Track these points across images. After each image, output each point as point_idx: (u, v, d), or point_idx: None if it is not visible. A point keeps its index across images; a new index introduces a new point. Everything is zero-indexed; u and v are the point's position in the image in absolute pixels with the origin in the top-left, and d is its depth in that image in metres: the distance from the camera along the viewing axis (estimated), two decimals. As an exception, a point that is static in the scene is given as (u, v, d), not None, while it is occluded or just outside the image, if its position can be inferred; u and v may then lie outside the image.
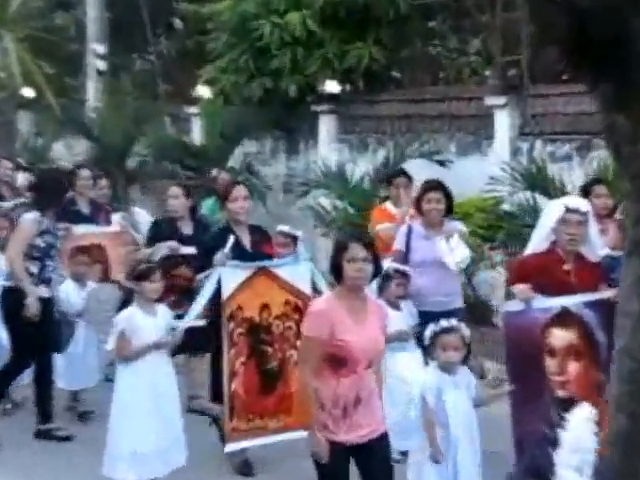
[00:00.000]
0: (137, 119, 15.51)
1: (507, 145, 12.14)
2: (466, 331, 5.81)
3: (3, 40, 17.90)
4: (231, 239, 6.76)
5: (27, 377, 7.84)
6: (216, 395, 6.95)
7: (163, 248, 7.90)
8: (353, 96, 14.51)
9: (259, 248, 7.14)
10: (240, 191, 7.19)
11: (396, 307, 7.15)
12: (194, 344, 7.19)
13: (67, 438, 7.52)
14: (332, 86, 14.09)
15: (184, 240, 7.99)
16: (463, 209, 9.61)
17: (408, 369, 6.89)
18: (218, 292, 6.64)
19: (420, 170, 11.59)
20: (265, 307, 6.83)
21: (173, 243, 7.94)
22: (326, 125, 14.49)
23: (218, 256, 6.63)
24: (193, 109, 15.91)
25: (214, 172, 11.63)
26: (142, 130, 15.25)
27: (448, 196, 7.72)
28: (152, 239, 8.21)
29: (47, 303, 7.55)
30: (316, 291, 7.03)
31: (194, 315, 6.69)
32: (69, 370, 8.01)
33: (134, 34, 18.09)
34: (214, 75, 15.19)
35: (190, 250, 7.74)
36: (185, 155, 14.29)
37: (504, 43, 12.86)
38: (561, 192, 10.07)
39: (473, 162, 12.35)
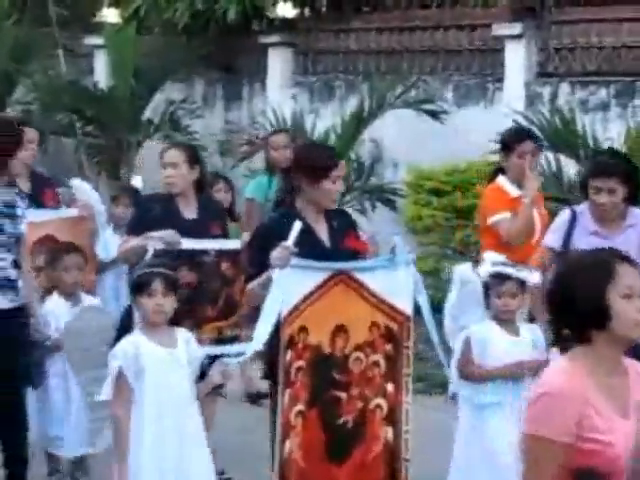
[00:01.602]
0: (20, 53, 15.39)
1: (522, 90, 12.31)
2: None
3: None
4: (297, 226, 5.82)
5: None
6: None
7: (156, 240, 7.00)
8: (314, 23, 14.38)
9: (339, 241, 6.31)
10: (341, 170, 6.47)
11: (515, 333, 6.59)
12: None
13: None
14: (286, 9, 13.95)
15: (186, 228, 7.21)
16: (464, 176, 9.63)
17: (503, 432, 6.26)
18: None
19: (405, 125, 12.26)
20: (341, 331, 5.83)
21: (170, 233, 7.07)
22: (278, 62, 14.45)
23: (276, 252, 5.69)
24: (96, 39, 15.73)
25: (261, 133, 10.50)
26: (26, 68, 15.15)
27: (629, 179, 7.14)
28: (137, 226, 7.39)
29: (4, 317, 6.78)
30: (418, 311, 6.27)
31: (252, 349, 5.79)
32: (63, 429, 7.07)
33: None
34: None
35: (195, 243, 7.22)
36: (85, 103, 14.13)
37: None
38: (594, 153, 10.16)
39: (476, 113, 12.48)
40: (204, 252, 7.18)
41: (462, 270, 7.14)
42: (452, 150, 9.52)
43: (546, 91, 11.94)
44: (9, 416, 6.88)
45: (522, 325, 6.65)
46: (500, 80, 12.53)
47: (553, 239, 7.27)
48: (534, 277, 6.64)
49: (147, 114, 13.61)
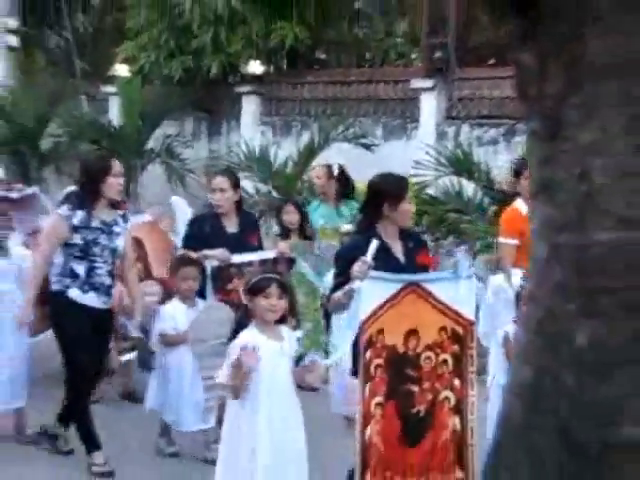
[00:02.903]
0: (51, 98, 15.28)
1: (433, 129, 12.29)
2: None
3: None
4: (374, 244, 5.44)
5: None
6: None
7: (211, 257, 6.95)
8: (277, 77, 14.45)
9: (413, 257, 5.87)
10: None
11: None
12: None
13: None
14: (255, 67, 14.04)
15: (230, 240, 7.05)
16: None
17: None
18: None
19: (345, 155, 11.76)
20: (413, 333, 5.39)
21: (222, 252, 6.94)
22: (249, 107, 14.49)
23: (357, 266, 5.31)
24: (110, 88, 15.61)
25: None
26: (56, 110, 14.98)
27: None
28: (190, 240, 7.23)
29: (98, 315, 6.41)
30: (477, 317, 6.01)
31: (341, 353, 5.54)
32: (177, 405, 6.65)
33: (48, 8, 17.81)
34: (133, 53, 15.01)
35: (242, 258, 6.98)
36: (102, 136, 14.14)
37: (430, 25, 12.96)
38: (486, 176, 10.35)
39: (398, 146, 12.48)
40: (249, 263, 6.91)
41: (496, 281, 7.01)
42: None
43: (451, 130, 12.01)
44: (99, 370, 6.55)
45: None
46: (416, 121, 12.56)
47: None
48: None
49: (150, 145, 13.66)
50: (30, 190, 9.18)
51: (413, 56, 13.98)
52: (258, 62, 14.07)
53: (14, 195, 8.42)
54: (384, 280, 5.28)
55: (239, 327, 5.38)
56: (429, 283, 5.41)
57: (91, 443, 6.29)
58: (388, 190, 5.80)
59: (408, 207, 5.89)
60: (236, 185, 7.36)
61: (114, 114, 15.32)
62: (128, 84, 14.73)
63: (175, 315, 6.46)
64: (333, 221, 8.80)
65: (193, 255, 6.86)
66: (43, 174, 14.54)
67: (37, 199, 8.62)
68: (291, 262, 7.24)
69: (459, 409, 5.42)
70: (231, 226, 7.12)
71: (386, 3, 14.84)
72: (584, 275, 1.59)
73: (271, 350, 5.00)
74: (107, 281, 6.38)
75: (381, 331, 5.19)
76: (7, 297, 6.83)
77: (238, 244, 6.99)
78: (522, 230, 7.39)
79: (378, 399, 5.20)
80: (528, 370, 1.69)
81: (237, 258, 6.87)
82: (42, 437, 6.58)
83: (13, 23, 17.91)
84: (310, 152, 11.94)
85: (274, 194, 11.35)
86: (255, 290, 5.08)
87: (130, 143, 13.41)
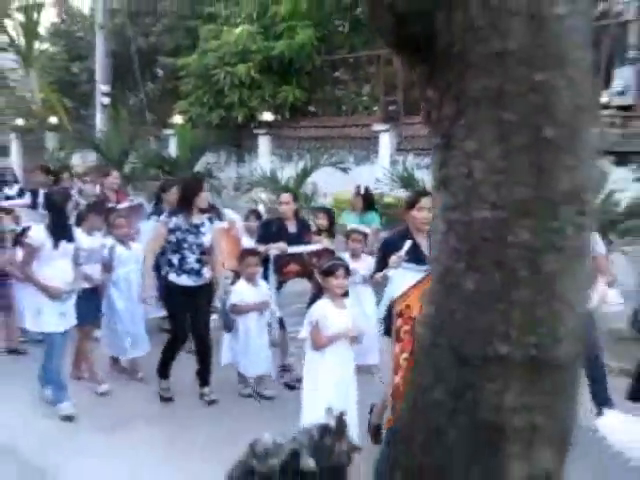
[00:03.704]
0: (131, 138, 15.25)
1: (388, 158, 12.16)
2: None
3: (29, 76, 18.16)
4: (407, 244, 5.35)
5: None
6: None
7: (274, 249, 6.80)
8: (282, 123, 14.32)
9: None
10: (427, 202, 5.62)
11: None
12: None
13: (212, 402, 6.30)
14: (268, 116, 13.94)
15: (290, 238, 6.89)
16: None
17: None
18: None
19: (328, 175, 11.87)
20: None
21: (282, 245, 6.79)
22: (263, 143, 14.36)
23: (393, 258, 5.28)
24: (170, 131, 15.58)
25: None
26: (134, 146, 14.99)
27: None
28: (263, 237, 7.04)
29: (192, 291, 6.27)
30: None
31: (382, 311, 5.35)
32: (245, 358, 6.47)
33: (129, 78, 17.80)
34: (185, 108, 14.92)
35: (296, 249, 6.82)
36: (164, 164, 14.07)
37: (386, 87, 12.92)
38: (425, 191, 10.25)
39: (365, 169, 12.29)
40: (301, 254, 6.76)
41: None
42: (352, 187, 9.53)
43: (400, 158, 11.86)
44: (204, 337, 6.28)
45: None
46: (377, 152, 12.46)
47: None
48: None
49: (196, 169, 13.49)
50: (137, 201, 9.17)
51: (375, 108, 13.92)
52: (269, 113, 14.03)
53: (131, 204, 8.46)
54: (412, 270, 5.10)
55: (315, 297, 5.30)
56: None
57: (164, 371, 6.28)
58: (405, 201, 5.72)
59: (416, 214, 5.55)
60: (295, 199, 7.25)
61: (172, 149, 15.28)
62: (182, 128, 14.66)
63: (242, 292, 6.28)
64: (359, 224, 8.38)
65: (261, 248, 6.73)
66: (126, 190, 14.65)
67: (143, 207, 8.50)
68: (332, 253, 6.87)
69: None
70: (291, 228, 6.96)
71: (356, 73, 14.80)
72: (469, 242, 1.56)
73: (339, 317, 4.92)
74: (196, 266, 6.22)
75: (408, 306, 5.03)
76: (131, 277, 6.78)
77: (296, 240, 6.84)
78: None
79: (405, 355, 5.02)
80: (432, 308, 1.65)
81: (292, 249, 6.74)
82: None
83: (106, 88, 17.88)
84: (304, 173, 11.79)
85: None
86: (328, 272, 4.99)
87: (183, 168, 13.31)
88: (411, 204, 5.72)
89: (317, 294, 5.41)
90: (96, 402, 6.20)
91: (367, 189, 9.09)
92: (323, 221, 7.65)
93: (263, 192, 12.00)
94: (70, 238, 6.07)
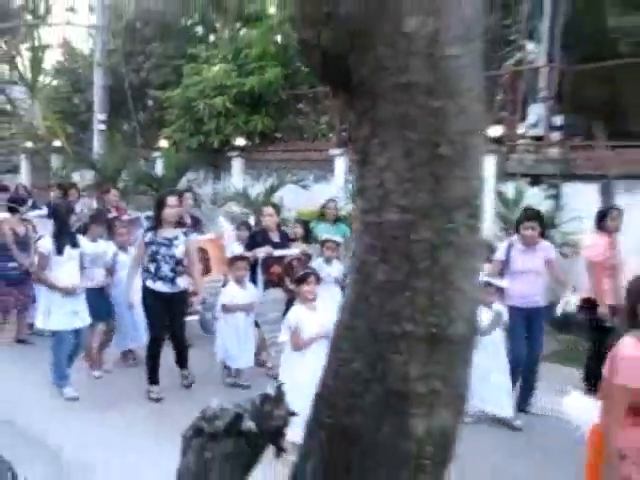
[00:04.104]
0: (123, 159, 15.17)
1: (342, 177, 12.13)
2: None
3: (34, 105, 18.16)
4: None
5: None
6: None
7: (261, 252, 6.67)
8: (253, 147, 14.32)
9: None
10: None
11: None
12: None
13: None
14: (240, 141, 13.97)
15: (274, 246, 6.80)
16: (315, 214, 9.65)
17: (491, 357, 5.44)
18: None
19: (291, 192, 11.99)
20: None
21: (268, 248, 6.69)
22: (236, 164, 14.30)
23: None
24: (157, 154, 15.47)
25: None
26: (126, 166, 14.91)
27: (541, 222, 5.99)
28: (251, 245, 6.83)
29: (167, 297, 5.96)
30: None
31: None
32: (233, 351, 6.26)
33: (123, 108, 17.66)
34: (170, 134, 14.89)
35: (279, 253, 6.71)
36: (152, 181, 13.98)
37: (340, 118, 12.96)
38: None
39: (323, 187, 12.24)
40: (284, 257, 6.67)
41: None
42: (312, 203, 9.55)
43: (351, 178, 11.83)
44: (179, 337, 6.12)
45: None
46: (333, 172, 12.41)
47: (500, 255, 5.95)
48: (503, 283, 5.69)
49: (180, 185, 13.43)
50: (136, 214, 9.07)
51: (331, 135, 13.97)
52: (242, 139, 14.02)
53: (130, 217, 8.52)
54: None
55: (289, 304, 5.25)
56: None
57: (152, 378, 6.00)
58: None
59: None
60: (279, 213, 7.27)
61: (159, 169, 15.15)
62: (167, 151, 14.61)
63: (232, 293, 6.19)
64: (331, 234, 8.21)
65: (248, 254, 6.56)
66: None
67: (139, 219, 8.48)
68: (309, 257, 6.90)
69: None
70: (274, 237, 6.89)
71: (316, 105, 14.85)
72: (381, 240, 1.59)
73: (312, 319, 4.80)
74: (170, 275, 5.96)
75: None
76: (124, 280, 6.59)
77: (279, 247, 6.78)
78: None
79: None
80: (352, 294, 1.68)
81: (276, 253, 6.67)
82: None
83: (102, 117, 17.79)
84: (271, 190, 11.92)
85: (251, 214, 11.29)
86: (300, 280, 4.91)
87: (168, 185, 13.26)
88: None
89: (290, 301, 5.35)
90: (96, 384, 6.29)
91: (335, 203, 9.12)
92: (299, 230, 7.62)
93: (236, 206, 11.98)
94: (74, 244, 6.05)
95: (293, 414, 1.66)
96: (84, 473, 4.41)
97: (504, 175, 10.07)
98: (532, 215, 5.98)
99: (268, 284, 6.68)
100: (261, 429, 1.65)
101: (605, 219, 6.33)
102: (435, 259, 1.53)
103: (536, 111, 11.26)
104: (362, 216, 1.63)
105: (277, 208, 7.48)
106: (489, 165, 10.16)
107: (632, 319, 2.87)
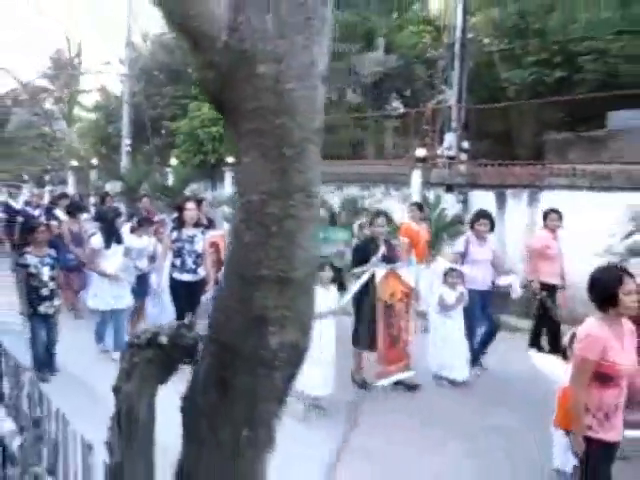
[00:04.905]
0: (144, 173, 15.14)
1: None
2: None
3: (72, 133, 18.15)
4: (382, 249, 5.03)
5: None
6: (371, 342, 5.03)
7: None
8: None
9: (391, 255, 5.28)
10: (382, 222, 5.26)
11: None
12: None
13: None
14: (231, 159, 13.82)
15: None
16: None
17: (452, 330, 5.32)
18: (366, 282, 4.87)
19: None
20: (392, 294, 4.97)
21: None
22: (228, 176, 14.07)
23: (373, 259, 4.89)
24: (169, 169, 15.35)
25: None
26: (146, 178, 14.87)
27: (492, 220, 5.86)
28: None
29: (190, 284, 5.72)
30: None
31: (350, 293, 4.93)
32: None
33: (144, 135, 17.56)
34: (178, 154, 14.93)
35: None
36: (164, 190, 13.97)
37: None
38: (330, 211, 10.18)
39: None
40: None
41: (434, 265, 6.03)
42: None
43: None
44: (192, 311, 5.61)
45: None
46: None
47: (460, 248, 5.80)
48: (464, 269, 5.58)
49: (185, 193, 13.33)
50: (162, 216, 8.91)
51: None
52: (232, 157, 13.92)
53: (159, 218, 8.31)
54: (382, 267, 4.88)
55: None
56: (398, 269, 5.05)
57: None
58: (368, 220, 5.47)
59: (373, 229, 5.23)
60: None
61: (170, 180, 15.09)
62: (176, 167, 14.58)
63: None
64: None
65: None
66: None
67: (166, 221, 8.14)
68: None
69: (407, 328, 5.07)
70: None
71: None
72: (246, 213, 1.71)
73: (325, 298, 4.53)
74: (193, 267, 5.78)
75: (381, 291, 4.80)
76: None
77: None
78: (411, 235, 6.85)
79: (381, 326, 4.80)
80: (229, 252, 1.78)
81: None
82: None
83: (128, 141, 17.67)
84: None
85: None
86: None
87: (177, 193, 13.26)
88: (371, 221, 5.46)
89: None
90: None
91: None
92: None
93: (227, 208, 12.02)
94: (119, 241, 6.07)
95: (201, 337, 1.81)
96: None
97: (427, 185, 10.07)
98: (484, 214, 5.90)
99: None
100: (174, 344, 1.80)
101: (546, 219, 6.19)
102: (281, 226, 1.67)
103: (450, 138, 11.54)
104: (238, 198, 1.77)
105: None
106: (416, 177, 10.37)
107: (601, 304, 2.79)
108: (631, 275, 2.79)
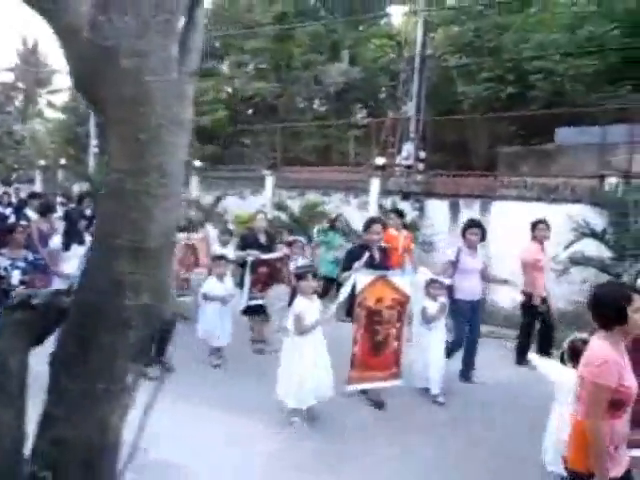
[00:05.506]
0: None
1: (270, 191, 12.06)
2: None
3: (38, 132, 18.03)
4: (366, 255, 4.89)
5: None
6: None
7: (251, 256, 5.98)
8: (206, 168, 13.80)
9: (384, 261, 5.12)
10: (377, 228, 5.13)
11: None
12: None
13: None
14: (197, 163, 13.70)
15: (261, 246, 6.14)
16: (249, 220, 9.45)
17: (434, 342, 5.14)
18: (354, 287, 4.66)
19: (233, 201, 11.93)
20: (380, 300, 4.75)
21: (255, 252, 6.00)
22: (194, 180, 13.66)
23: (356, 265, 4.77)
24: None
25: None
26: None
27: (483, 230, 5.62)
28: (242, 246, 6.18)
29: None
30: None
31: (338, 301, 4.72)
32: (213, 332, 5.69)
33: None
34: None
35: (266, 256, 6.04)
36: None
37: (270, 147, 13.26)
38: (292, 213, 10.22)
39: (256, 199, 12.08)
40: (270, 258, 6.10)
41: (417, 276, 5.61)
42: (248, 209, 9.38)
43: (278, 192, 11.85)
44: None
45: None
46: (264, 188, 12.20)
47: (451, 256, 5.60)
48: (447, 281, 5.35)
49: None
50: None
51: (264, 160, 14.07)
52: (198, 161, 13.77)
53: None
54: (369, 273, 4.73)
55: (292, 296, 4.93)
56: (390, 276, 4.86)
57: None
58: (363, 226, 5.25)
59: (367, 237, 5.10)
60: (267, 218, 6.71)
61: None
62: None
63: (212, 285, 5.68)
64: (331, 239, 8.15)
65: (242, 254, 6.03)
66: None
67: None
68: (288, 258, 6.27)
69: (398, 337, 4.90)
70: (262, 239, 6.26)
71: (255, 139, 14.99)
72: (109, 189, 1.94)
73: (312, 308, 4.49)
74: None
75: (365, 297, 4.67)
76: None
77: (266, 247, 6.18)
78: (390, 242, 6.57)
79: (361, 331, 4.67)
80: (96, 227, 1.99)
81: (263, 256, 6.06)
82: None
83: (96, 142, 17.46)
84: (218, 200, 11.67)
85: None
86: (299, 276, 4.58)
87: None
88: (366, 227, 5.19)
89: (293, 294, 5.02)
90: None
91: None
92: (285, 235, 7.38)
93: (192, 210, 12.02)
94: (81, 242, 5.83)
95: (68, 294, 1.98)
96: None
97: (385, 192, 10.26)
98: (475, 224, 5.69)
99: (255, 283, 6.04)
100: (48, 307, 1.99)
101: (535, 230, 5.99)
102: (138, 201, 1.89)
103: (408, 148, 11.84)
104: (106, 178, 2.00)
105: (264, 214, 6.76)
106: (375, 185, 10.63)
107: (602, 322, 2.53)
108: (638, 292, 2.56)
